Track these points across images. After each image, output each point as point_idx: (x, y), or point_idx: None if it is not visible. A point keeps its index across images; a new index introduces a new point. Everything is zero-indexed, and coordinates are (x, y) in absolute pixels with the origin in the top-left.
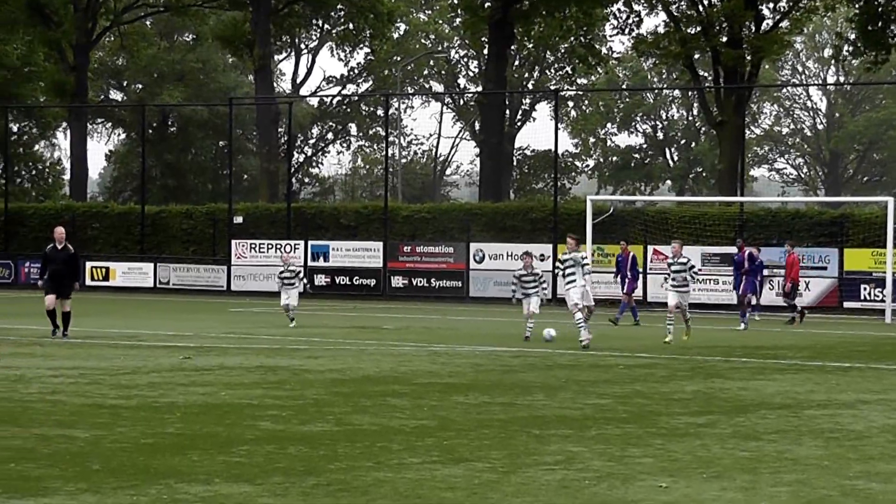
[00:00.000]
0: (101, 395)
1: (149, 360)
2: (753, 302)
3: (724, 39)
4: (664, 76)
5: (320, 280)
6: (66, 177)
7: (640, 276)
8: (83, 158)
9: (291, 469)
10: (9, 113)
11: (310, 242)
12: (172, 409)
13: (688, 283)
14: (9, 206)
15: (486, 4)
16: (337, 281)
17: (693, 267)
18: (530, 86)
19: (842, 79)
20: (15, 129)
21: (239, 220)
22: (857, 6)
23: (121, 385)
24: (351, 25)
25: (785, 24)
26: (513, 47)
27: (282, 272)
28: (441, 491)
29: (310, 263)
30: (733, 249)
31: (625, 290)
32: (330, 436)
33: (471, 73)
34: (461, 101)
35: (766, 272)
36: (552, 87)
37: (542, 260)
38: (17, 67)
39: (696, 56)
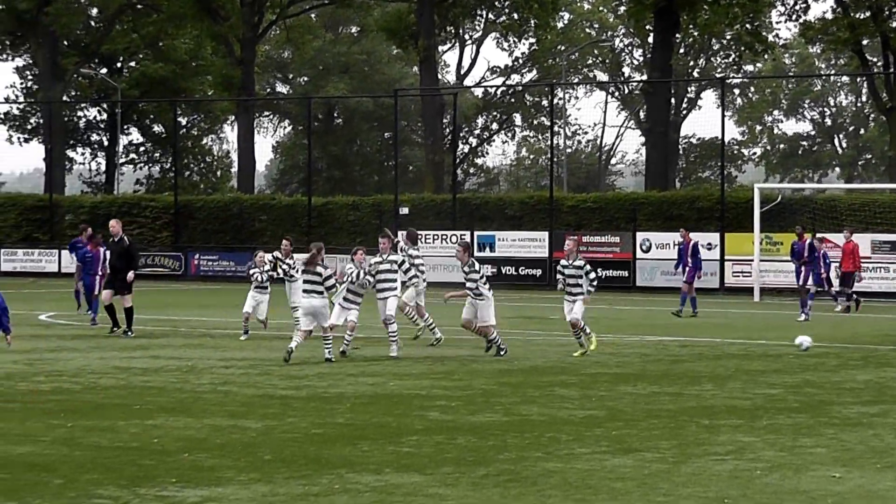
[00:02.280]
0: (271, 386)
1: (318, 351)
2: (813, 291)
3: (895, 24)
4: (832, 62)
5: (486, 270)
6: (234, 169)
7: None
8: (250, 151)
9: (461, 459)
10: (177, 107)
11: (475, 233)
12: (342, 399)
13: (583, 290)
14: (178, 199)
15: None
16: (502, 271)
17: (591, 273)
18: (696, 73)
19: None
20: (184, 122)
21: (405, 210)
22: None
23: (291, 376)
24: (515, 15)
25: None
26: (678, 35)
27: (255, 272)
28: (611, 481)
29: (476, 253)
30: None
31: (685, 279)
32: (499, 426)
33: (635, 62)
34: (626, 90)
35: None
36: (718, 75)
37: (709, 249)
38: (185, 62)
39: (865, 42)
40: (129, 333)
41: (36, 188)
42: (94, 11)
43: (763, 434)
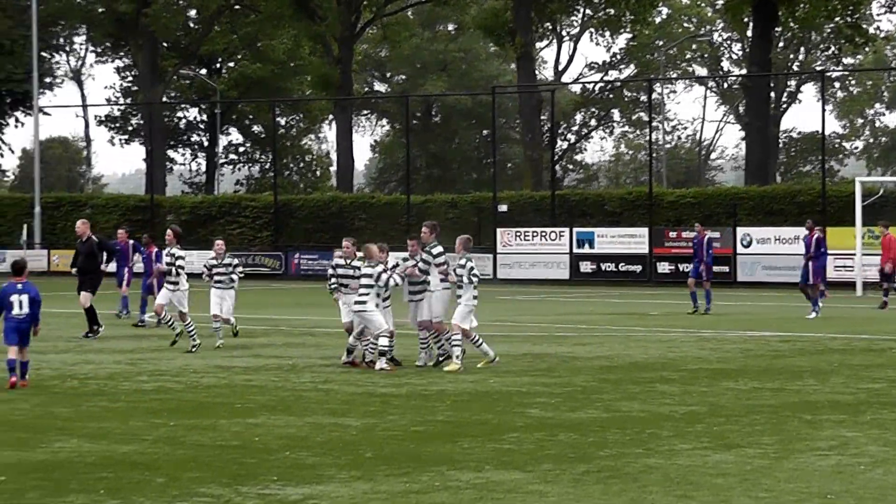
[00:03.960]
0: (371, 384)
1: (417, 349)
2: (823, 288)
3: None
4: None
5: (585, 267)
6: (333, 168)
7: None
8: (349, 150)
9: (562, 456)
10: (276, 107)
11: (574, 229)
12: (442, 397)
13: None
14: (278, 199)
15: None
16: (602, 268)
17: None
18: (795, 67)
19: None
20: (282, 122)
21: (504, 208)
22: None
23: (391, 373)
24: (612, 11)
25: None
26: (777, 29)
27: (212, 266)
28: (712, 477)
29: (575, 250)
30: None
31: (691, 275)
32: (599, 423)
33: (734, 56)
34: (725, 85)
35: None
36: (818, 68)
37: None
38: (283, 62)
39: None
40: (91, 335)
41: (137, 189)
42: (193, 13)
43: (866, 429)
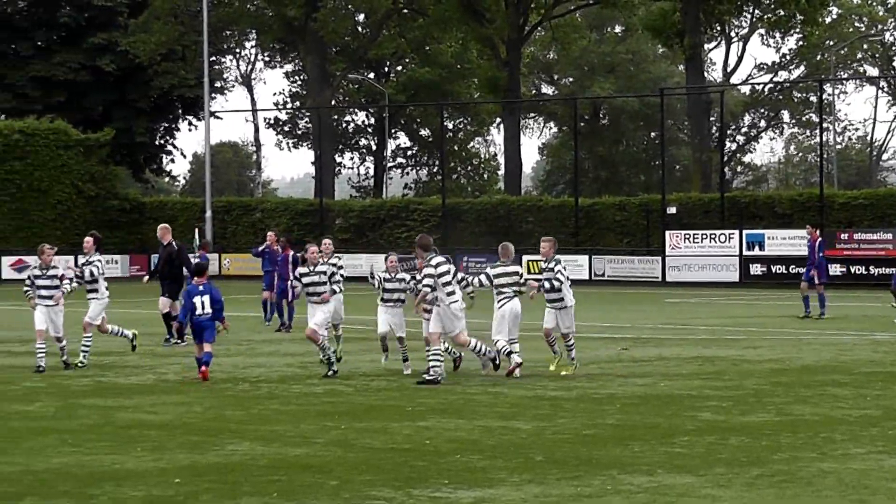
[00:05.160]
0: (541, 387)
1: (587, 352)
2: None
3: None
4: None
5: (755, 270)
6: (501, 171)
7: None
8: (516, 153)
9: (734, 460)
10: (444, 110)
11: (744, 231)
12: (612, 400)
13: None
14: (446, 202)
15: None
16: (772, 270)
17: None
18: None
19: None
20: (450, 126)
21: (672, 210)
22: None
23: (561, 376)
24: (782, 11)
25: None
26: None
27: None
28: (888, 482)
29: (744, 252)
30: None
31: (804, 278)
32: (771, 426)
33: None
34: None
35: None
36: None
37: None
38: (451, 65)
39: None
40: (176, 342)
41: (306, 193)
42: (362, 17)
43: None
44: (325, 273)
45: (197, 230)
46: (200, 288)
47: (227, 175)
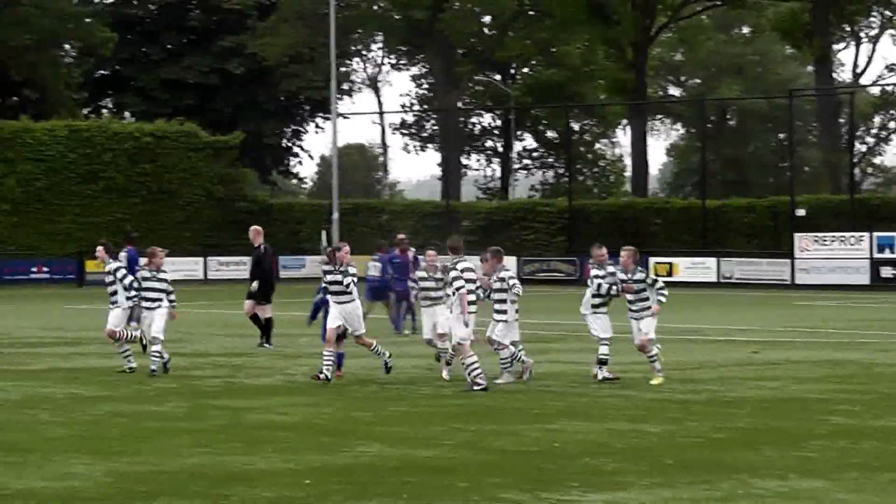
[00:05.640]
0: (670, 390)
1: (716, 355)
2: None
3: None
4: None
5: (886, 272)
6: (627, 174)
7: None
8: (643, 155)
9: (866, 465)
10: (570, 112)
11: (875, 234)
12: (742, 403)
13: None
14: (572, 204)
15: None
16: None
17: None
18: None
19: None
20: (576, 127)
21: (801, 212)
22: None
23: (690, 379)
24: None
25: None
26: None
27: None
28: None
29: (875, 255)
30: None
31: None
32: None
33: None
34: None
35: None
36: None
37: None
38: (577, 67)
39: None
40: (268, 345)
41: (431, 195)
42: (488, 19)
43: None
44: (442, 279)
45: (324, 232)
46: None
47: (353, 177)
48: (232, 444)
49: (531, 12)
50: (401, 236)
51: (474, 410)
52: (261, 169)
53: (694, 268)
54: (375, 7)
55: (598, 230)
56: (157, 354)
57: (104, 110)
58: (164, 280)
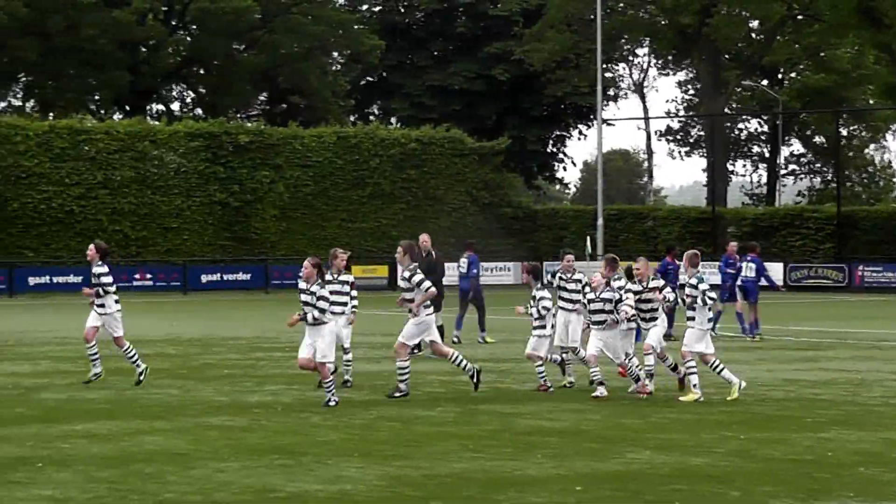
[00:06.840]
0: None
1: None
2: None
3: None
4: None
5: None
6: None
7: None
8: None
9: None
10: (839, 117)
11: None
12: None
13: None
14: (841, 210)
15: None
16: None
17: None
18: None
19: None
20: (845, 133)
21: None
22: None
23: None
24: None
25: None
26: None
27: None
28: None
29: None
30: None
31: None
32: None
33: None
34: None
35: None
36: None
37: None
38: (846, 71)
39: None
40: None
41: (694, 200)
42: (755, 24)
43: None
44: (579, 280)
45: (589, 238)
46: None
47: (617, 183)
48: (502, 450)
49: (800, 17)
50: (732, 244)
51: (744, 418)
52: (525, 175)
53: None
54: (642, 13)
55: (869, 237)
56: (348, 364)
57: (371, 117)
58: (347, 283)
